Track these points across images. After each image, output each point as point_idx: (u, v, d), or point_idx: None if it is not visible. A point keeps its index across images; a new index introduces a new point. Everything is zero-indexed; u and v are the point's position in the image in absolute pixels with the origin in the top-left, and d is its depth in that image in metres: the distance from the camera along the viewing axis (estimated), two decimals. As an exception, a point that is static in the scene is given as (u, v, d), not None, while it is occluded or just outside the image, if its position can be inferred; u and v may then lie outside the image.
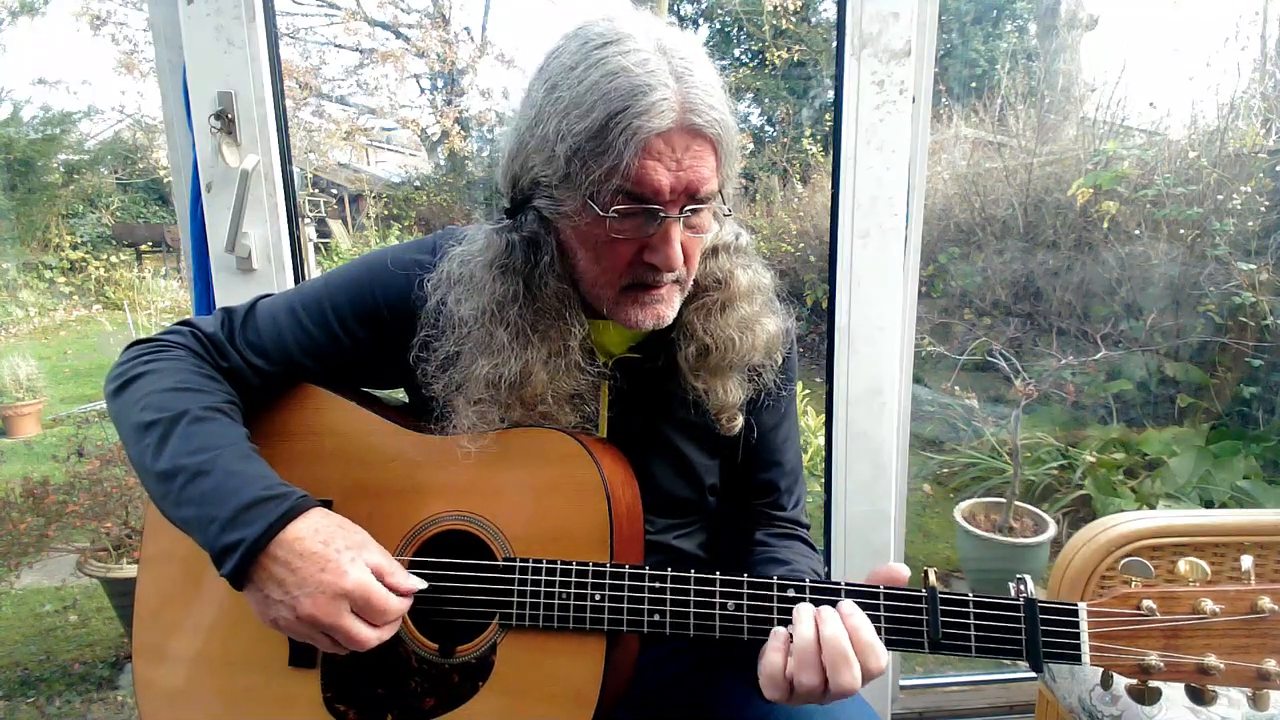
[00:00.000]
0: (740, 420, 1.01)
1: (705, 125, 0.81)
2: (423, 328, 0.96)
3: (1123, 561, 0.82)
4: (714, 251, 0.98)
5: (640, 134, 0.78)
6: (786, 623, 0.84)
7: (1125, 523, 1.38)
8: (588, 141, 0.80)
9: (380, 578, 0.84)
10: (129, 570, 2.51)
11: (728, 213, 0.92)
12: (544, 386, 0.92)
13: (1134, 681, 0.80)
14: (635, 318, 0.90)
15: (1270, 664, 0.77)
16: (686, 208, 0.84)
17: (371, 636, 0.83)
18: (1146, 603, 0.79)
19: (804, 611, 0.82)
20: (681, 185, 0.82)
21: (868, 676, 0.79)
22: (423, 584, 0.88)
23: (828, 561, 1.74)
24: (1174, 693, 0.82)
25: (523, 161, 0.87)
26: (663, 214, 0.83)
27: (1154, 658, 0.78)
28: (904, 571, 0.85)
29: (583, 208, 0.84)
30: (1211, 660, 0.77)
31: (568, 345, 0.93)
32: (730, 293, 0.97)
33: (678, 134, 0.81)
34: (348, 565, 0.82)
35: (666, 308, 0.91)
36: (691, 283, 0.94)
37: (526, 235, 0.91)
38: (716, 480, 1.09)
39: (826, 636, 0.79)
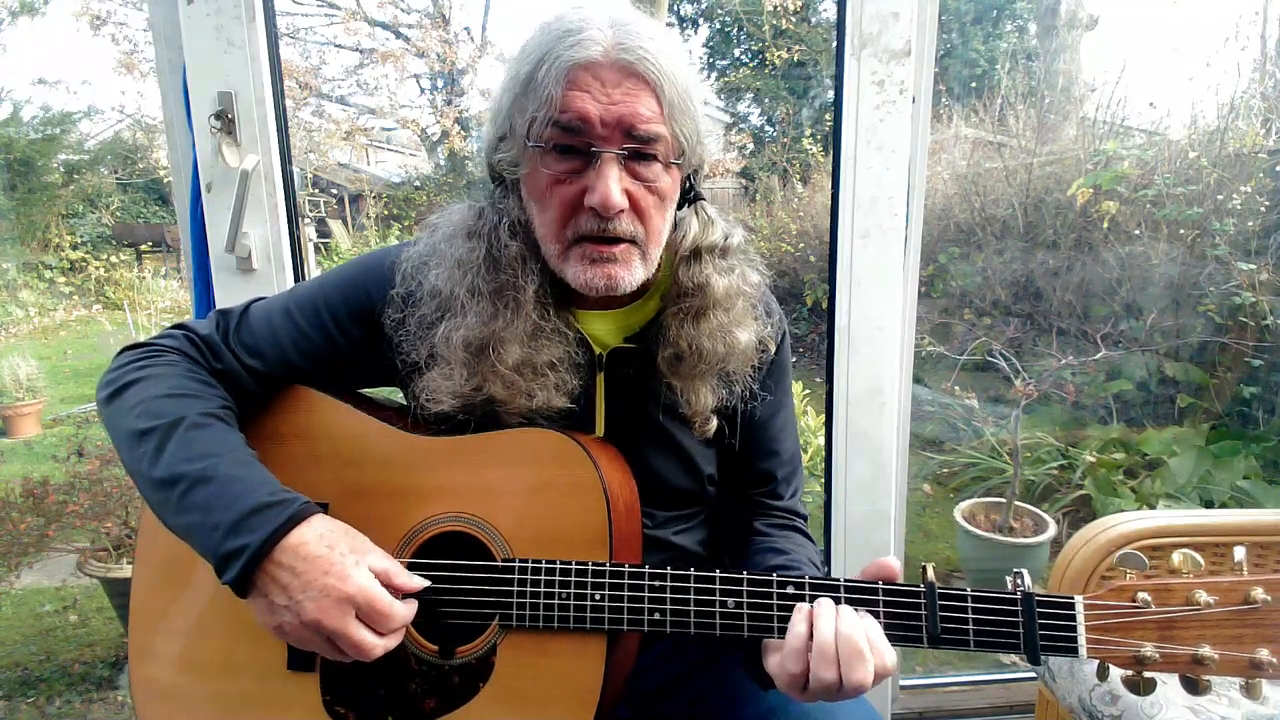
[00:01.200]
0: (714, 425, 1.01)
1: (636, 62, 0.82)
2: (397, 286, 0.97)
3: (1119, 554, 0.83)
4: (696, 255, 0.97)
5: (562, 62, 0.81)
6: (787, 620, 0.84)
7: (1125, 523, 1.38)
8: (523, 87, 0.84)
9: (385, 581, 0.84)
10: (129, 570, 2.50)
11: (675, 159, 0.88)
12: (515, 355, 0.92)
13: (1129, 672, 0.81)
14: (584, 276, 0.88)
15: (1263, 653, 0.77)
16: (626, 146, 0.84)
17: (377, 644, 0.82)
18: (1141, 595, 0.80)
19: (825, 606, 0.82)
20: (613, 118, 0.82)
21: (879, 676, 0.79)
22: (425, 582, 0.88)
23: (828, 561, 1.74)
24: (1174, 694, 0.82)
25: (491, 131, 0.91)
26: (595, 148, 0.83)
27: (1149, 649, 0.79)
28: (896, 565, 0.85)
29: (523, 151, 0.87)
30: (1206, 650, 0.78)
31: (519, 300, 0.92)
32: (705, 300, 0.96)
33: (608, 69, 0.82)
34: (351, 569, 0.82)
35: (622, 269, 0.88)
36: (655, 245, 0.92)
37: (498, 204, 0.94)
38: (715, 470, 1.09)
39: (842, 630, 0.79)
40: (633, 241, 0.88)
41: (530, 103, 0.84)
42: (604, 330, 1.00)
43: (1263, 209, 3.15)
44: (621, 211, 0.86)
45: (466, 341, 0.92)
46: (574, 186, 0.86)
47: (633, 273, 0.89)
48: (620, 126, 0.83)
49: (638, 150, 0.85)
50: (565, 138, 0.84)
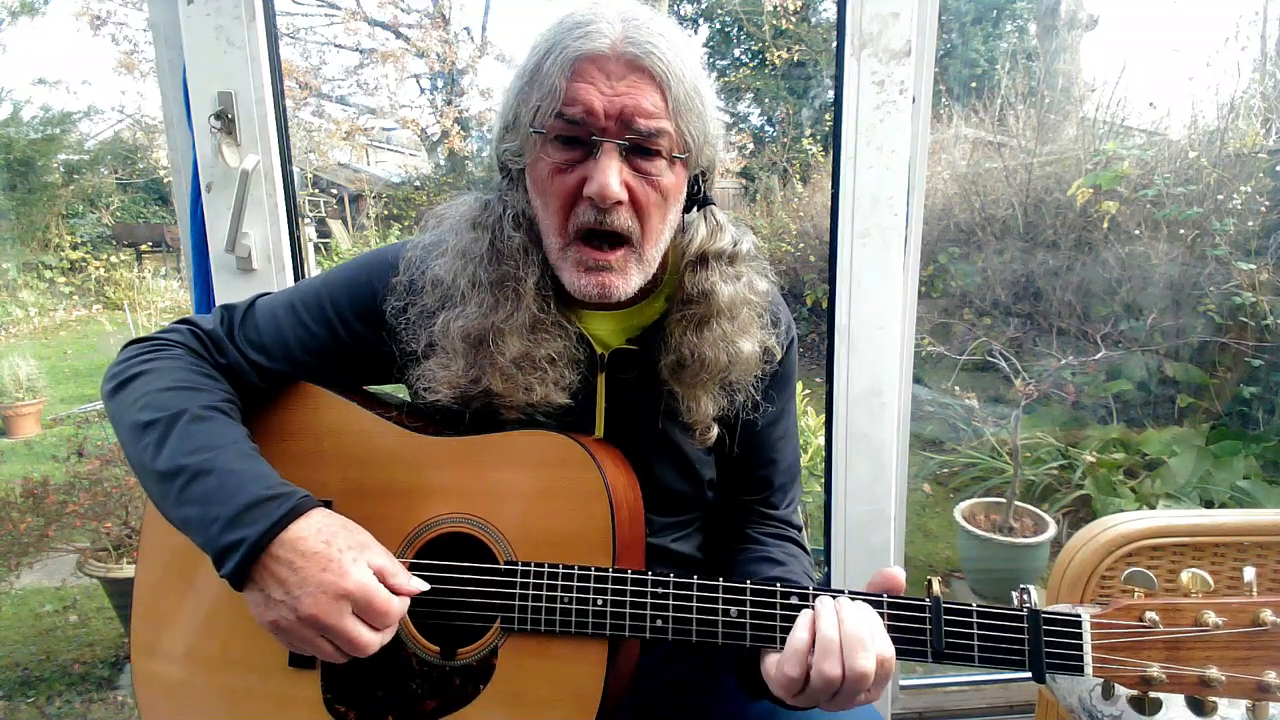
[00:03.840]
0: (714, 433, 1.00)
1: (643, 56, 0.82)
2: (404, 273, 0.97)
3: (1126, 572, 0.82)
4: (703, 261, 0.96)
5: (569, 53, 0.82)
6: (789, 630, 0.84)
7: (1125, 523, 1.38)
8: (529, 77, 0.85)
9: (382, 579, 0.84)
10: (129, 570, 2.50)
11: (680, 154, 0.87)
12: (515, 349, 0.91)
13: (1135, 692, 0.80)
14: (580, 283, 0.88)
15: (1271, 676, 0.77)
16: (627, 137, 0.84)
17: (373, 641, 0.82)
18: (1149, 614, 0.79)
19: (826, 604, 0.82)
20: (616, 109, 0.82)
21: (880, 664, 0.78)
22: (425, 586, 0.88)
23: (828, 562, 1.74)
24: (1174, 695, 0.82)
25: (498, 123, 0.92)
26: (596, 137, 0.83)
27: (1156, 669, 0.79)
28: (900, 575, 0.85)
29: (526, 140, 0.87)
30: (1213, 672, 0.78)
31: (519, 292, 0.92)
32: (710, 308, 0.95)
33: (614, 62, 0.83)
34: (350, 565, 0.81)
35: (617, 278, 0.88)
36: (653, 246, 0.91)
37: (504, 195, 0.94)
38: (714, 475, 1.08)
39: (847, 629, 0.79)
40: (629, 243, 0.88)
41: (535, 92, 0.84)
42: (606, 330, 1.00)
43: (1263, 209, 3.15)
44: (620, 204, 0.85)
45: (465, 332, 0.92)
46: (574, 176, 0.86)
47: (628, 280, 0.89)
48: (622, 118, 0.83)
49: (639, 144, 0.84)
50: (568, 129, 0.84)
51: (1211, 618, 0.78)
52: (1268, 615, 0.77)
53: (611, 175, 0.83)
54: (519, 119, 0.87)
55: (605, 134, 0.83)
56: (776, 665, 0.82)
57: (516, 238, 0.93)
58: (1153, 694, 0.80)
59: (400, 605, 0.84)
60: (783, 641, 0.84)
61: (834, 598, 0.83)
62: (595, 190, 0.83)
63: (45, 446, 3.96)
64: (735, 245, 0.99)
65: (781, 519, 1.12)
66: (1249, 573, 0.80)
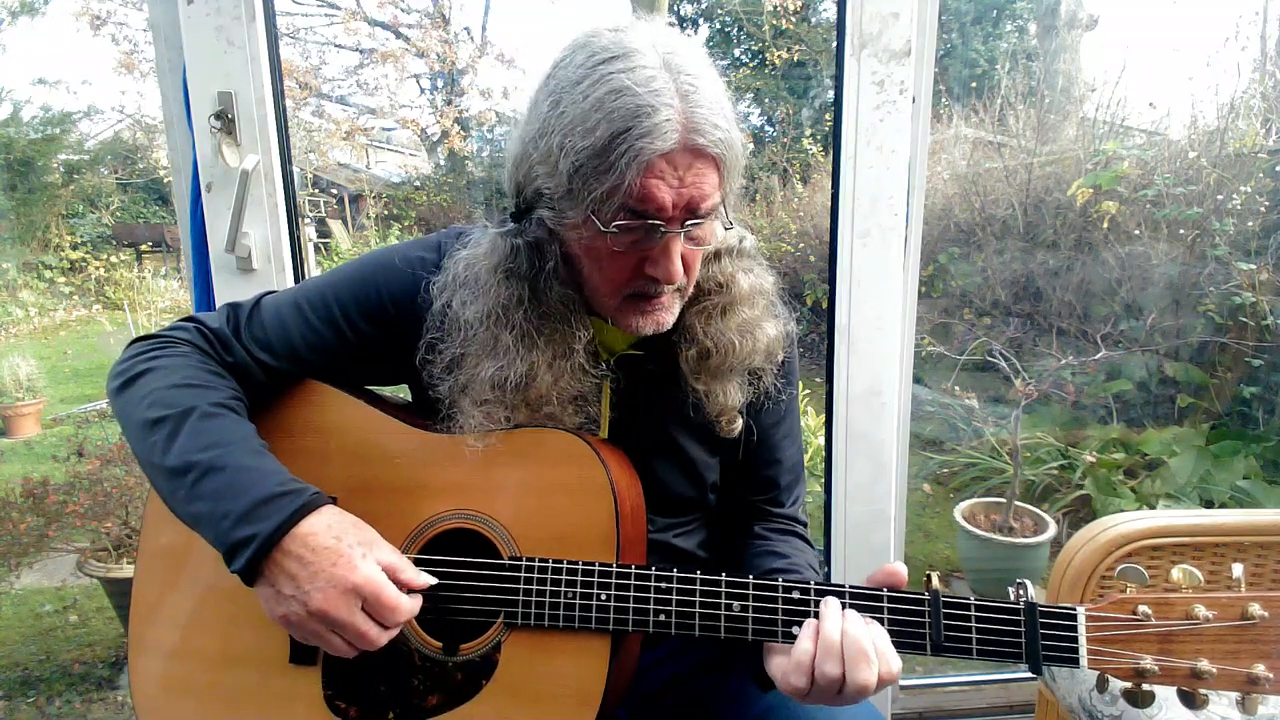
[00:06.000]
0: (740, 423, 1.02)
1: (709, 145, 0.81)
2: (428, 330, 0.97)
3: (1119, 568, 0.84)
4: (716, 256, 0.98)
5: (643, 155, 0.79)
6: (790, 624, 0.85)
7: (1125, 523, 1.38)
8: (591, 159, 0.80)
9: (392, 575, 0.85)
10: (129, 570, 2.51)
11: (729, 225, 0.92)
12: (549, 388, 0.93)
13: (1129, 685, 0.81)
14: (636, 324, 0.91)
15: (1260, 668, 0.78)
16: (687, 222, 0.84)
17: (381, 636, 0.84)
18: (1142, 608, 0.81)
19: (832, 606, 0.83)
20: (683, 201, 0.82)
21: (883, 682, 0.80)
22: (433, 580, 0.89)
23: (828, 561, 1.74)
24: (1171, 693, 0.83)
25: (526, 171, 0.88)
26: (663, 229, 0.83)
27: (1149, 661, 0.80)
28: (902, 570, 0.86)
29: (585, 221, 0.85)
30: (1204, 665, 0.79)
31: (572, 348, 0.94)
32: (731, 296, 0.98)
33: (680, 154, 0.81)
34: (359, 560, 0.82)
35: (667, 314, 0.92)
36: (692, 287, 0.95)
37: (531, 241, 0.92)
38: (717, 478, 1.09)
39: (849, 631, 0.80)
40: (676, 289, 0.92)
41: (600, 182, 0.80)
42: (612, 337, 1.00)
43: (1263, 209, 3.15)
44: None
45: (516, 385, 0.92)
46: (634, 256, 0.87)
47: (674, 314, 0.93)
48: (688, 208, 0.83)
49: (696, 222, 0.85)
50: (633, 219, 0.83)
51: (1202, 611, 0.80)
52: (1256, 609, 0.79)
53: (677, 263, 0.86)
54: (574, 194, 0.83)
55: (670, 223, 0.84)
56: (783, 674, 0.84)
57: (562, 292, 0.93)
58: (1146, 686, 0.81)
59: (410, 603, 0.85)
60: (784, 635, 0.85)
61: (837, 596, 0.84)
62: (662, 275, 0.86)
63: (45, 446, 3.97)
64: (741, 241, 1.02)
65: (787, 516, 1.13)
66: (1237, 569, 0.82)
